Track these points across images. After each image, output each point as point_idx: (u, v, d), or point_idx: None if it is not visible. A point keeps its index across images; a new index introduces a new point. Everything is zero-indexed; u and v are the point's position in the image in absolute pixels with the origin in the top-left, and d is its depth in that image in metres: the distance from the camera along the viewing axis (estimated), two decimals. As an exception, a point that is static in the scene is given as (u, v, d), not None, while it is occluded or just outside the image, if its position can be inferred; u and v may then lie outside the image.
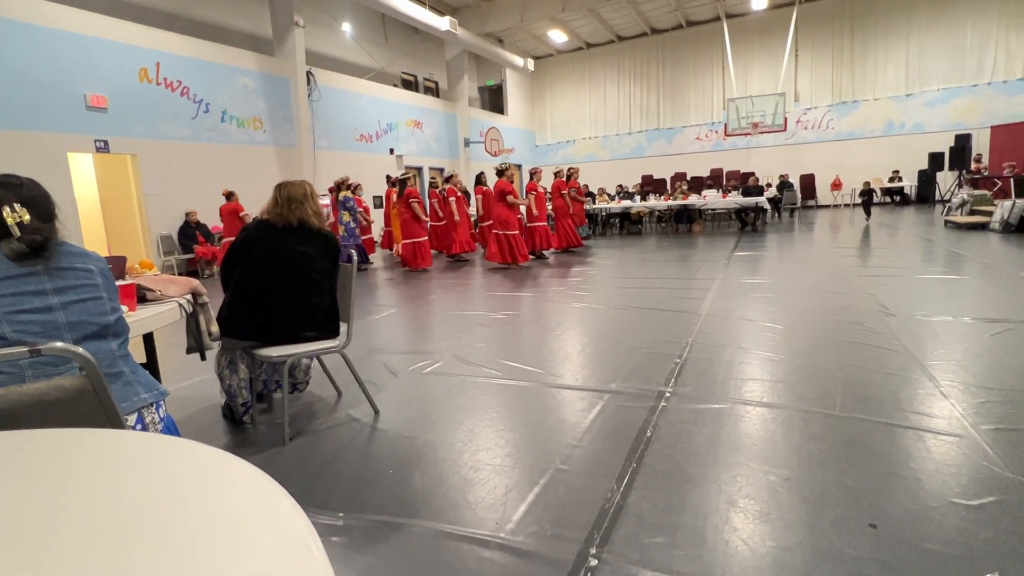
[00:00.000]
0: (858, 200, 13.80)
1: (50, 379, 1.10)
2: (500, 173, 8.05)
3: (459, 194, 9.58)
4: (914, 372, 2.78)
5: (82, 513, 0.58)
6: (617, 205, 12.81)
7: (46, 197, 1.43)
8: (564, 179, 9.68)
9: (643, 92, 19.73)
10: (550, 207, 9.54)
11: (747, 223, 11.41)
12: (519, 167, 18.93)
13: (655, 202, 12.74)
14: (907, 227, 9.93)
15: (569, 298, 5.38)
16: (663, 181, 18.03)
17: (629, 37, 19.50)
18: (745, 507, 1.72)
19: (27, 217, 1.33)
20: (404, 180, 8.68)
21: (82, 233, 8.09)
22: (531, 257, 8.53)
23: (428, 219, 8.79)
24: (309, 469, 2.17)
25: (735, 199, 11.60)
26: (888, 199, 16.29)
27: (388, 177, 11.04)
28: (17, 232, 1.31)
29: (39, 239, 1.33)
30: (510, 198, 7.99)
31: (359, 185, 9.52)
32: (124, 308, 1.81)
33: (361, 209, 9.26)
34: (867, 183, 12.65)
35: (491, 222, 9.47)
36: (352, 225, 8.72)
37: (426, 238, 8.51)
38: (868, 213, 11.96)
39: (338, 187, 8.92)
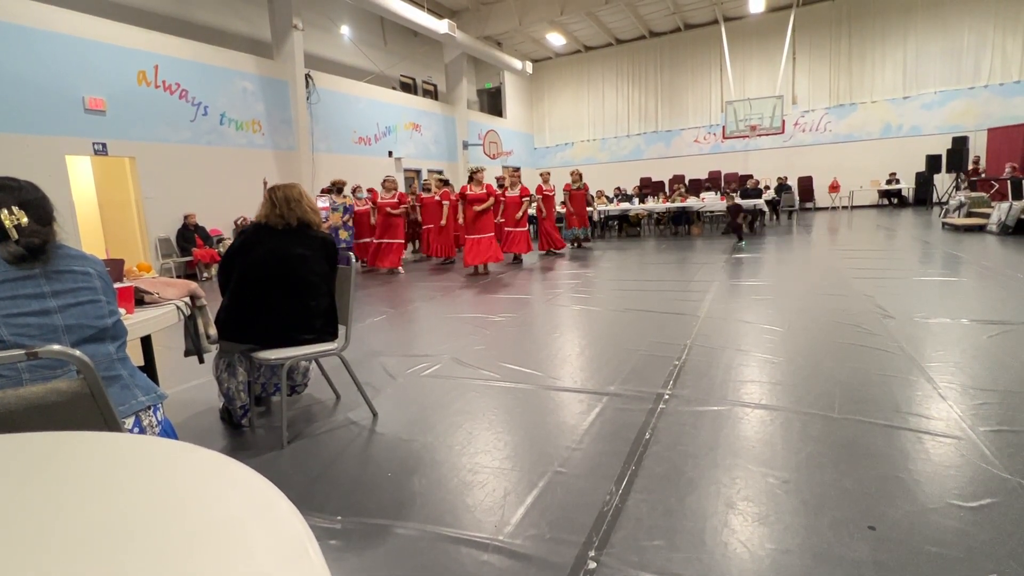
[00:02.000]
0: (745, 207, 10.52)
1: (47, 382, 1.10)
2: (469, 178, 8.03)
3: (452, 198, 9.56)
4: (912, 374, 2.79)
5: (80, 516, 0.58)
6: (615, 207, 12.83)
7: (44, 200, 1.43)
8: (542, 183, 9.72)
9: (641, 95, 19.79)
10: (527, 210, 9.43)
11: (738, 230, 9.94)
12: (517, 169, 18.93)
13: (653, 204, 12.75)
14: (905, 229, 9.95)
15: (567, 300, 5.38)
16: (661, 183, 18.05)
17: (627, 40, 19.55)
18: (744, 509, 1.72)
19: (25, 220, 1.33)
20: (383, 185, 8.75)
21: (80, 236, 8.08)
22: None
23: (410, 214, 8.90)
24: (307, 472, 2.17)
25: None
26: (886, 201, 16.35)
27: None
28: (15, 235, 1.31)
29: (37, 242, 1.33)
30: (479, 190, 7.96)
31: (358, 187, 9.54)
32: (122, 311, 1.81)
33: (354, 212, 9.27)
34: (731, 193, 9.39)
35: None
36: (338, 227, 8.76)
37: (401, 241, 8.62)
38: (742, 234, 9.56)
39: (333, 189, 8.97)
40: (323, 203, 8.73)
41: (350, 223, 8.97)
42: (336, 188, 8.90)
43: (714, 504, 1.76)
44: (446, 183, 9.94)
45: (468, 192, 7.93)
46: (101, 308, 1.42)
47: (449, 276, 7.83)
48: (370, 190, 10.01)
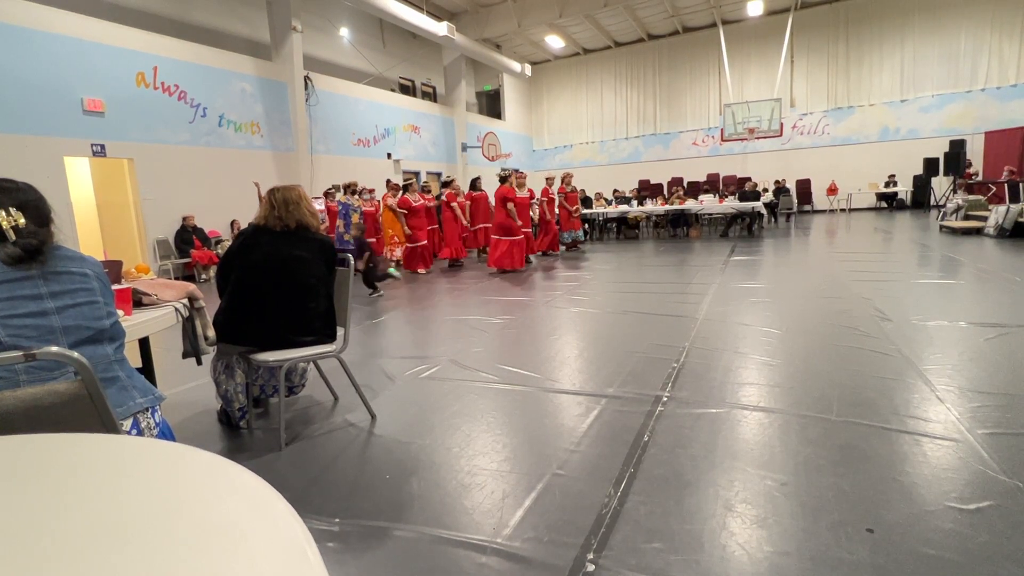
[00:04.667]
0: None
1: (45, 384, 1.10)
2: (503, 180, 8.11)
3: (458, 199, 9.58)
4: (910, 376, 2.79)
5: (77, 518, 0.58)
6: (614, 210, 12.84)
7: (42, 201, 1.43)
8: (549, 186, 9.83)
9: (640, 97, 19.83)
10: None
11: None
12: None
13: (652, 207, 12.77)
14: (902, 232, 9.98)
15: (566, 303, 5.38)
16: (660, 186, 18.09)
17: (626, 43, 19.60)
18: (742, 512, 1.72)
19: (22, 221, 1.33)
20: (407, 186, 8.74)
21: (78, 237, 8.06)
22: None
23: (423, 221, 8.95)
24: (305, 474, 2.17)
25: (732, 204, 11.64)
26: (883, 204, 16.39)
27: (388, 182, 11.08)
28: (12, 236, 1.31)
29: (34, 243, 1.33)
30: (510, 206, 8.02)
31: (373, 189, 9.58)
32: (120, 312, 1.80)
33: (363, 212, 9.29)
34: (359, 223, 7.32)
35: (488, 226, 9.61)
36: (340, 231, 8.78)
37: (425, 242, 8.54)
38: (376, 282, 6.49)
39: (343, 190, 9.01)
40: (318, 205, 8.74)
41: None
42: (351, 191, 8.95)
43: (712, 506, 1.75)
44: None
45: (516, 195, 8.05)
46: (99, 309, 1.42)
47: (450, 278, 7.83)
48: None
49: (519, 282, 6.98)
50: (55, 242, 1.41)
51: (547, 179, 9.90)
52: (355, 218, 8.97)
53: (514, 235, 7.93)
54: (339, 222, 8.79)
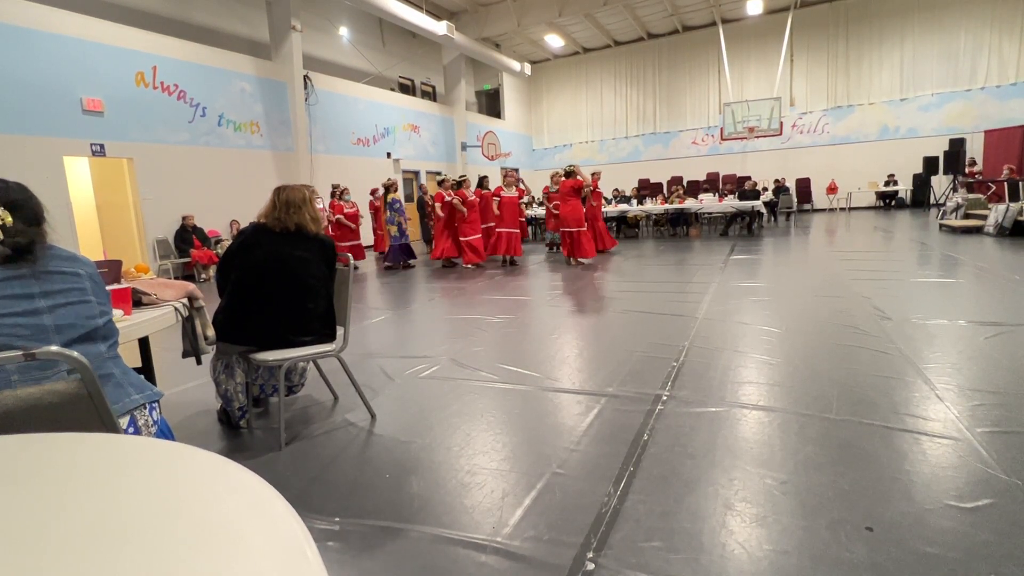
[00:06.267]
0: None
1: (39, 383, 1.10)
2: (568, 174, 8.28)
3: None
4: (909, 375, 2.79)
5: (77, 518, 0.58)
6: (614, 209, 12.83)
7: (32, 200, 1.43)
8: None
9: (640, 96, 19.81)
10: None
11: (736, 227, 9.79)
12: (516, 170, 18.95)
13: (652, 206, 12.77)
14: (902, 231, 9.98)
15: (566, 302, 5.38)
16: (660, 185, 18.09)
17: (626, 42, 19.58)
18: (742, 511, 1.72)
19: (10, 220, 1.33)
20: (459, 183, 8.95)
21: (78, 237, 8.06)
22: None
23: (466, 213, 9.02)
24: (305, 474, 2.17)
25: (731, 203, 11.64)
26: (883, 203, 16.39)
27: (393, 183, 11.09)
28: (0, 235, 1.31)
29: (23, 242, 1.33)
30: (582, 179, 8.37)
31: (376, 190, 9.70)
32: (119, 312, 1.81)
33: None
34: None
35: (492, 225, 9.69)
36: (404, 226, 8.98)
37: (479, 236, 8.88)
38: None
39: (386, 190, 9.21)
40: (319, 206, 8.77)
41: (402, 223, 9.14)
42: (394, 188, 9.19)
43: (712, 505, 1.76)
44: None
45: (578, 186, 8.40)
46: (92, 308, 1.42)
47: (450, 277, 7.83)
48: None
49: (519, 281, 6.99)
50: (47, 242, 1.41)
51: (593, 174, 9.88)
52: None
53: (583, 226, 8.24)
54: (399, 218, 8.93)
